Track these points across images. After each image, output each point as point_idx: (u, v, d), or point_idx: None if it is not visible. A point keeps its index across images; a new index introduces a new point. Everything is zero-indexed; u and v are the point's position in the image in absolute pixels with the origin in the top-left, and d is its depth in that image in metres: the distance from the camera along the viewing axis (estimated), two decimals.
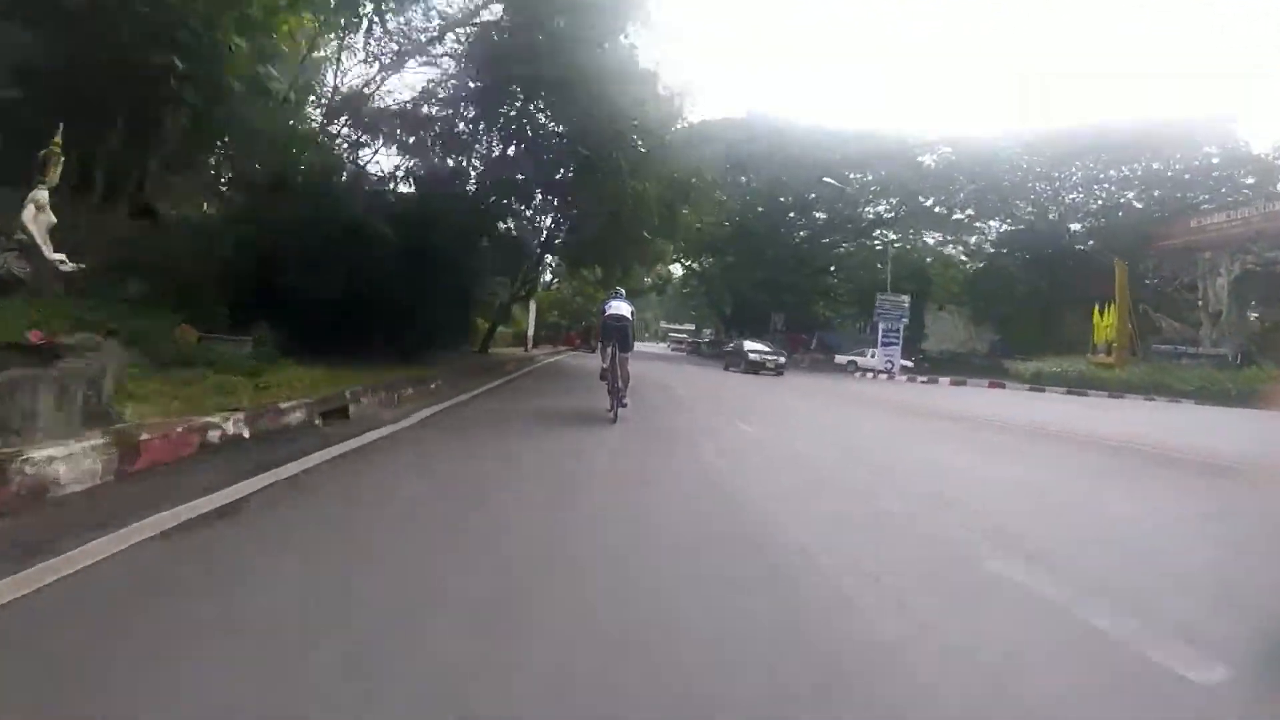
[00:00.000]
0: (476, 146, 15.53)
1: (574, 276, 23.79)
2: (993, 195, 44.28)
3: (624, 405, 7.44)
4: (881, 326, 26.47)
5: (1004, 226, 46.64)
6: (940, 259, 47.57)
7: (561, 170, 15.74)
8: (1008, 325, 41.81)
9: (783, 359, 22.47)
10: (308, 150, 12.68)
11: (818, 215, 44.97)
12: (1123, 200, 43.78)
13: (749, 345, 23.82)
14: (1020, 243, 44.14)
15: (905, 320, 26.85)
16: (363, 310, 11.07)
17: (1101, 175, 44.35)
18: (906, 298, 27.37)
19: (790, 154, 39.73)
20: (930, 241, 48.99)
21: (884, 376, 25.29)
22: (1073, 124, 43.64)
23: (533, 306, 24.48)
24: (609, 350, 7.41)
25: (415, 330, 12.99)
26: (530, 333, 23.49)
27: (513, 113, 14.50)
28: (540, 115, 14.55)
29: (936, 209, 46.39)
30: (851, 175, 44.65)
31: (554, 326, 38.15)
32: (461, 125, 15.37)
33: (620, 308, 7.67)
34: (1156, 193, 42.23)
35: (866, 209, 47.36)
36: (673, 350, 60.71)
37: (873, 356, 27.47)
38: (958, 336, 43.95)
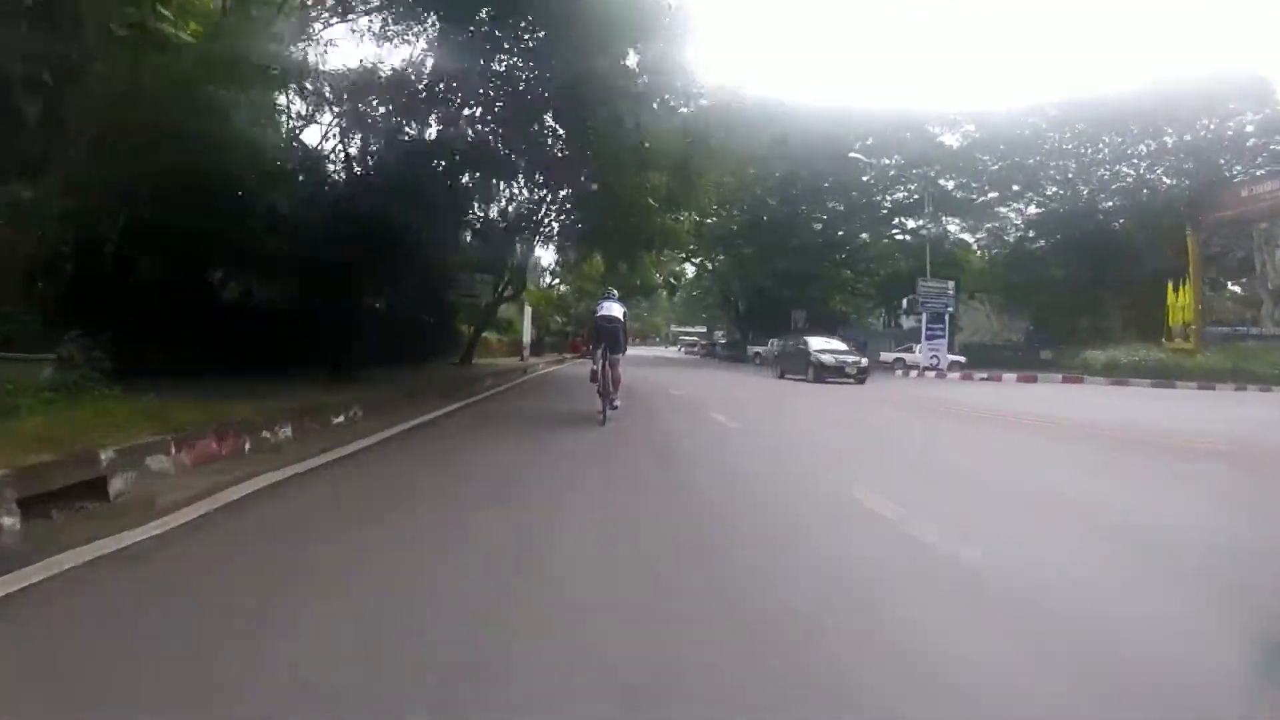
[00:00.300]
0: (440, 110, 12.28)
1: (573, 272, 20.41)
2: (1018, 175, 40.83)
3: (615, 408, 7.22)
4: (925, 317, 22.92)
5: (1030, 209, 43.19)
6: (961, 246, 44.15)
7: (547, 134, 12.47)
8: (1041, 314, 38.49)
9: (864, 361, 16.48)
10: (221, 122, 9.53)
11: (831, 205, 41.65)
12: (1150, 177, 40.31)
13: (816, 343, 17.59)
14: (1050, 225, 40.72)
15: (950, 309, 23.30)
16: (277, 319, 7.97)
17: (1130, 150, 40.81)
18: (951, 283, 23.77)
19: (801, 140, 36.46)
20: (954, 228, 45.49)
21: (931, 374, 21.78)
22: (1098, 96, 40.17)
23: (528, 310, 21.26)
24: (600, 352, 7.15)
25: (359, 341, 9.82)
26: (527, 339, 20.31)
27: (481, 60, 11.24)
28: (516, 59, 11.29)
29: (958, 194, 42.92)
30: (868, 161, 41.39)
31: (559, 334, 34.91)
32: (420, 84, 12.13)
33: (612, 309, 7.36)
34: (1188, 165, 38.76)
35: (885, 196, 43.83)
36: (685, 354, 57.43)
37: (917, 352, 23.90)
38: (989, 327, 40.33)
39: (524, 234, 15.96)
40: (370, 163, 11.76)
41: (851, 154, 36.74)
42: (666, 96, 12.20)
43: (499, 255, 15.79)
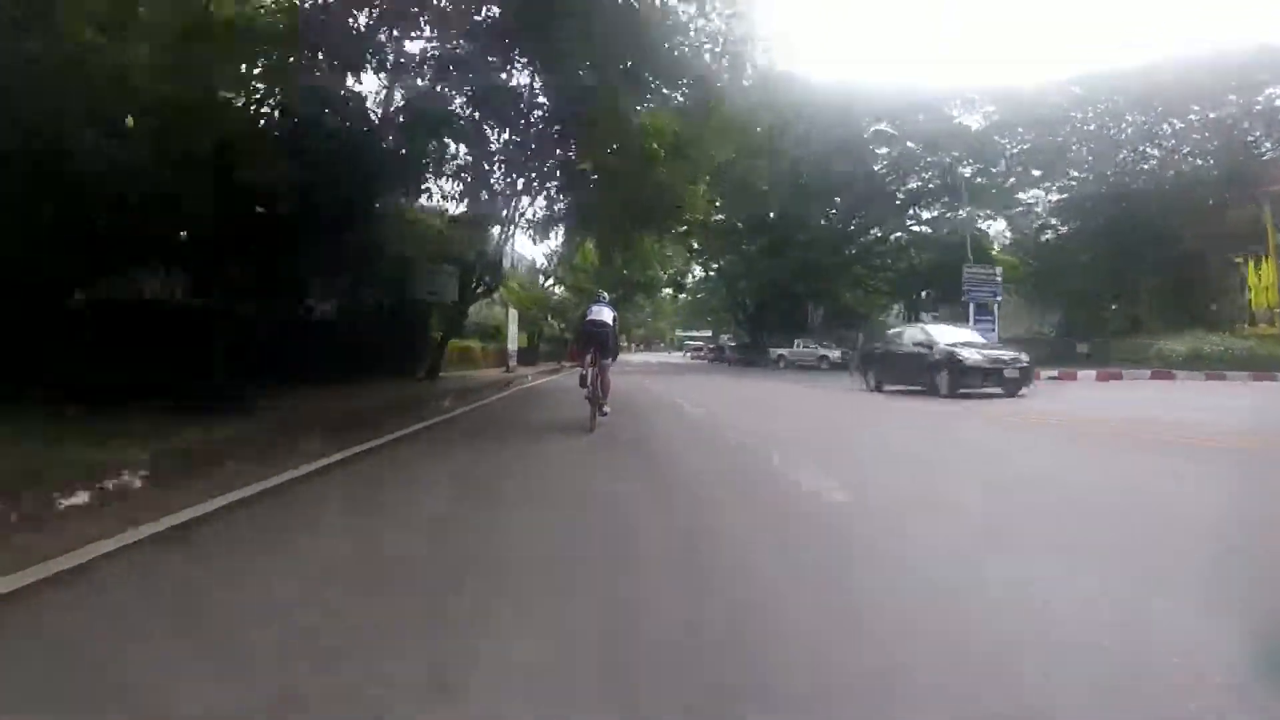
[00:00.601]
0: (375, 49, 9.15)
1: (564, 265, 17.09)
2: (1038, 158, 37.63)
3: (605, 415, 6.84)
4: (972, 309, 19.62)
5: (1052, 195, 39.97)
6: (980, 234, 40.88)
7: (516, 67, 9.34)
8: (1072, 304, 35.34)
9: (1025, 358, 10.96)
10: None
11: (838, 199, 38.51)
12: (1177, 156, 37.07)
13: (946, 334, 11.84)
14: (1076, 210, 37.55)
15: (999, 298, 20.06)
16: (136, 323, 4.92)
17: (1154, 130, 37.61)
18: (998, 269, 20.52)
19: (808, 124, 33.41)
20: (964, 217, 42.19)
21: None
22: (1121, 71, 37.01)
23: (513, 314, 18.06)
24: (589, 357, 6.81)
25: (281, 354, 6.82)
26: (512, 347, 17.13)
27: None
28: None
29: (979, 179, 39.70)
30: (878, 151, 38.31)
31: (554, 340, 31.65)
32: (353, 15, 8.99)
33: (602, 313, 7.00)
34: (1214, 144, 35.55)
35: (900, 185, 40.61)
36: (692, 358, 54.31)
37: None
38: (1021, 320, 36.96)
39: (499, 210, 12.77)
40: (280, 119, 8.62)
41: (865, 135, 33.56)
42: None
43: (468, 241, 12.61)
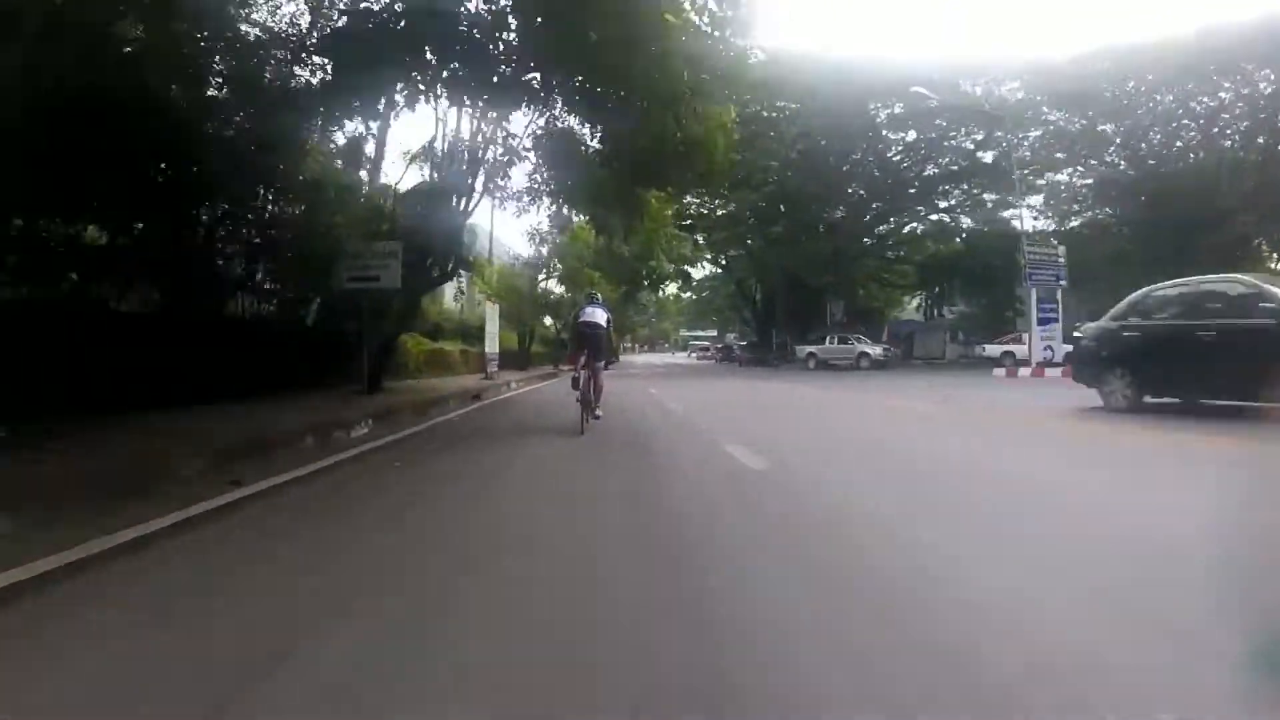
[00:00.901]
0: None
1: (547, 244, 13.77)
2: (1066, 139, 34.42)
3: (597, 418, 6.50)
4: (1034, 295, 16.38)
5: (1078, 180, 36.74)
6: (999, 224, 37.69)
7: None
8: (1100, 298, 32.17)
9: None
10: None
11: (851, 189, 35.40)
12: (1215, 132, 33.79)
13: None
14: (1108, 195, 34.35)
15: (1063, 282, 16.85)
16: None
17: (1181, 110, 34.37)
18: (1061, 248, 17.30)
19: (822, 106, 30.38)
20: (990, 204, 39.01)
21: (1043, 373, 15.28)
22: (1152, 44, 33.80)
23: (492, 310, 14.80)
24: (582, 359, 6.51)
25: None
26: (491, 349, 13.96)
27: None
28: None
29: (1001, 164, 36.47)
30: (896, 136, 35.26)
31: (549, 341, 28.50)
32: None
33: (596, 314, 6.66)
34: (1245, 125, 32.31)
35: (920, 169, 37.39)
36: (698, 359, 51.23)
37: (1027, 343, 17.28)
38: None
39: (459, 169, 9.70)
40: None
41: (880, 120, 30.58)
42: None
43: (423, 218, 9.53)
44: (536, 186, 11.79)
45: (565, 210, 12.13)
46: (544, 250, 18.79)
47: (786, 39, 39.24)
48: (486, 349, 14.01)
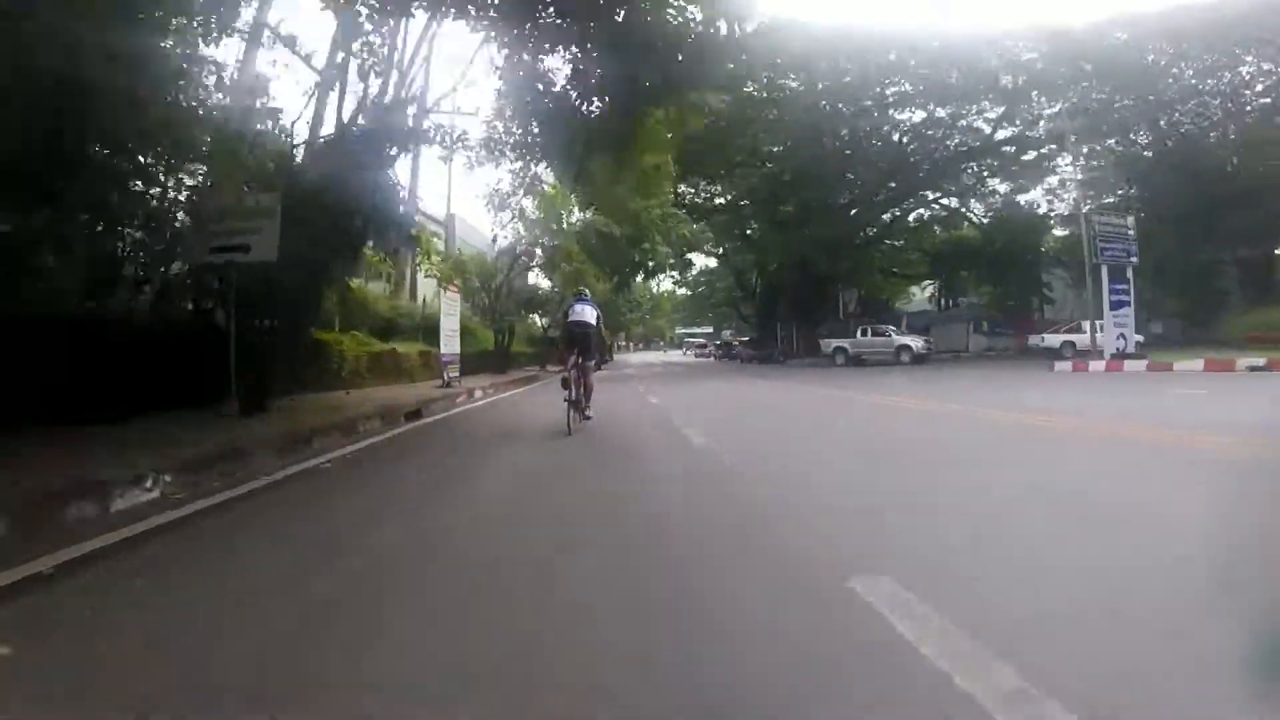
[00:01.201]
0: None
1: (510, 210, 10.51)
2: (1083, 116, 31.77)
3: (588, 418, 6.19)
4: (1105, 275, 13.46)
5: (1095, 161, 34.14)
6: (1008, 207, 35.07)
7: None
8: (1144, 280, 29.92)
9: None
10: None
11: (850, 176, 32.66)
12: (1247, 107, 31.28)
13: None
14: (1130, 174, 31.81)
15: (1134, 259, 13.97)
16: None
17: (1201, 86, 31.85)
18: (1130, 217, 14.42)
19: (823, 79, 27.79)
20: (1003, 190, 36.36)
21: (1109, 364, 12.54)
22: (1169, 11, 31.22)
23: (449, 299, 11.34)
24: (573, 359, 6.14)
25: None
26: (448, 351, 10.74)
27: None
28: None
29: (1008, 148, 33.84)
30: (904, 116, 32.60)
31: (532, 339, 25.59)
32: None
33: (585, 312, 6.35)
34: (1267, 100, 29.94)
35: (930, 152, 34.64)
36: (696, 357, 48.48)
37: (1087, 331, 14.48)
38: (1068, 302, 31.34)
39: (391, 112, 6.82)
40: None
41: (888, 98, 28.11)
42: None
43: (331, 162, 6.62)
44: (498, 137, 8.95)
45: (533, 166, 9.24)
46: (504, 217, 15.34)
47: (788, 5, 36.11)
48: (442, 349, 10.96)
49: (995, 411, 6.54)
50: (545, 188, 10.31)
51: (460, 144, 8.19)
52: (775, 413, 8.06)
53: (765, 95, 29.81)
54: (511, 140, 8.87)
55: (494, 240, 17.22)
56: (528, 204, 9.11)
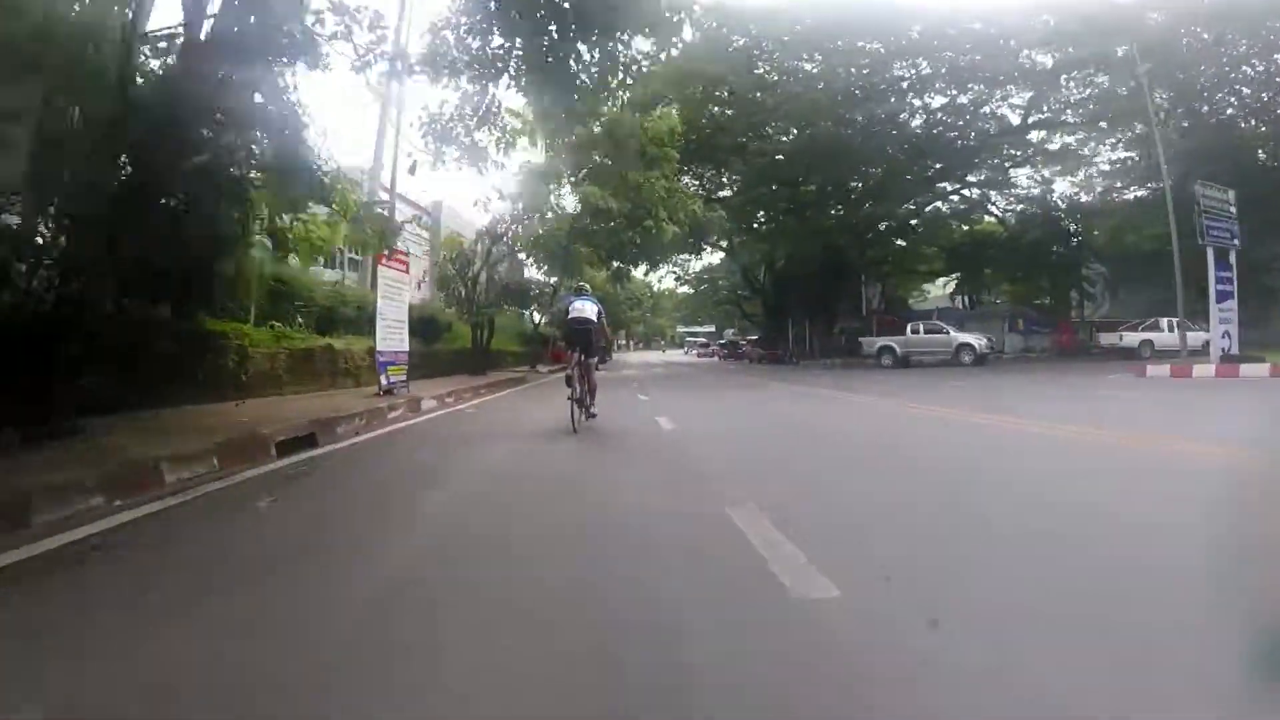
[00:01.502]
0: None
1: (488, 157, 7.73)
2: (1113, 104, 29.29)
3: (593, 416, 5.98)
4: (1211, 258, 10.81)
5: (1121, 152, 31.64)
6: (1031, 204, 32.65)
7: None
8: (1158, 282, 27.62)
9: None
10: None
11: (865, 169, 30.09)
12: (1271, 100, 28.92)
13: None
14: (1155, 167, 29.30)
15: (1236, 242, 11.38)
16: None
17: (1234, 75, 29.47)
18: (1231, 192, 11.83)
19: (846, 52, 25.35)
20: (1026, 182, 33.83)
21: (1214, 369, 10.06)
22: None
23: (395, 281, 8.32)
24: (575, 356, 5.89)
25: None
26: (391, 347, 8.12)
27: None
28: None
29: (1033, 134, 31.33)
30: (919, 103, 30.16)
31: (531, 338, 23.00)
32: None
33: (586, 309, 6.08)
34: None
35: (950, 142, 32.05)
36: (699, 356, 45.99)
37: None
38: (1102, 298, 29.04)
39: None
40: None
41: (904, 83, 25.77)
42: None
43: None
44: (446, 50, 6.36)
45: (492, 87, 6.66)
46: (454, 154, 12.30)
47: None
48: (379, 345, 8.20)
49: (1128, 437, 3.93)
50: (507, 117, 7.63)
51: (383, 54, 5.58)
52: (859, 447, 4.99)
53: (780, 79, 27.41)
54: (467, 56, 6.29)
55: (484, 207, 14.44)
56: (482, 137, 6.56)
